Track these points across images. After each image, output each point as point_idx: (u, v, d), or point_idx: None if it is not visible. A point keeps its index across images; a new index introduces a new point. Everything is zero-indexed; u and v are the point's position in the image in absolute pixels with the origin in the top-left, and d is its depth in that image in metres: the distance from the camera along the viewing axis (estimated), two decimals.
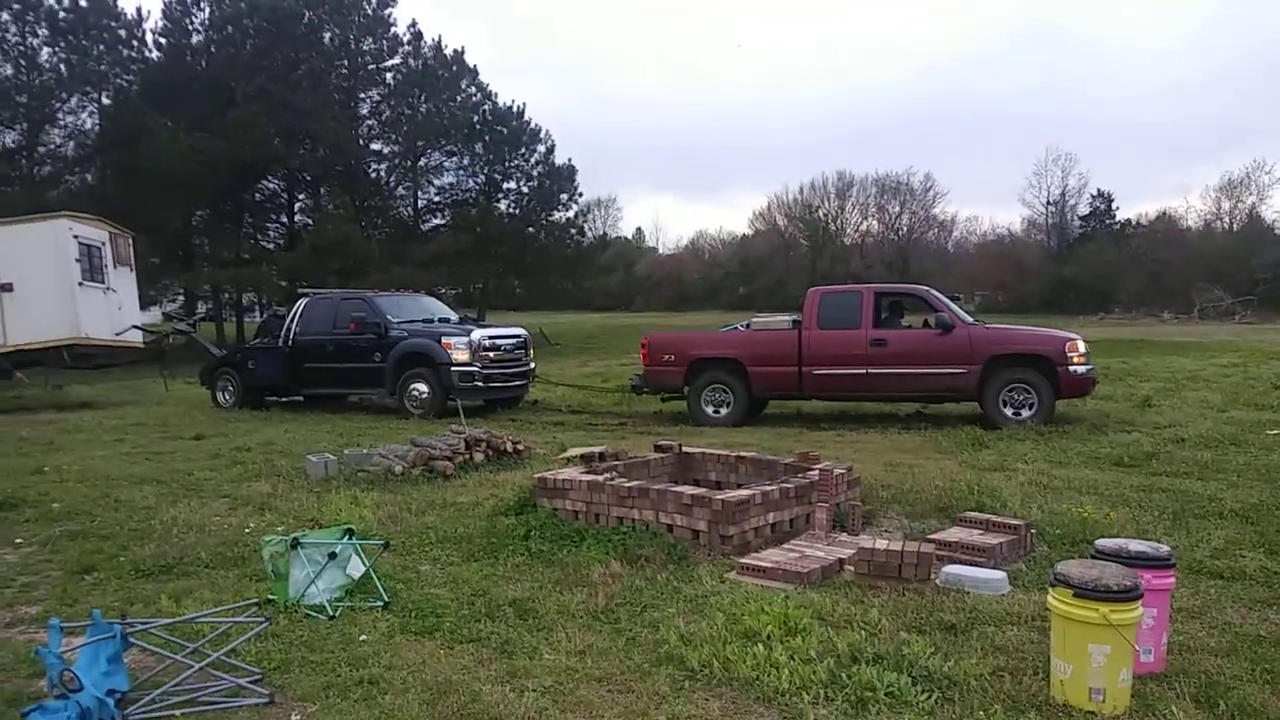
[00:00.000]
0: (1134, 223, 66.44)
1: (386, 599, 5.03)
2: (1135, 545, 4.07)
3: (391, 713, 3.65)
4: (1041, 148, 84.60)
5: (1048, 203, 69.96)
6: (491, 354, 14.30)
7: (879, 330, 12.26)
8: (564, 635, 4.46)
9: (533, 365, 15.66)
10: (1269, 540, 6.00)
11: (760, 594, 4.92)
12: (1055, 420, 12.04)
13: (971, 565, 5.42)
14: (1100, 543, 4.15)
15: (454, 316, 16.34)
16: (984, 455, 9.54)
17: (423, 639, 4.50)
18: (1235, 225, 65.18)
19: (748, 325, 13.77)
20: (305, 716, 3.68)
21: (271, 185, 39.51)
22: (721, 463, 7.71)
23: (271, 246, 40.12)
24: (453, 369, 13.80)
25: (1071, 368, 11.46)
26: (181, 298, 38.78)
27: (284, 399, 16.21)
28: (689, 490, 6.20)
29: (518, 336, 15.21)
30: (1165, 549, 4.07)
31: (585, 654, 4.22)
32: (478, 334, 14.33)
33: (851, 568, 5.41)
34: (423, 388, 14.05)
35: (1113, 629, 3.54)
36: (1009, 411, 11.56)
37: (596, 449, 8.47)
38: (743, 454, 7.77)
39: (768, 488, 6.33)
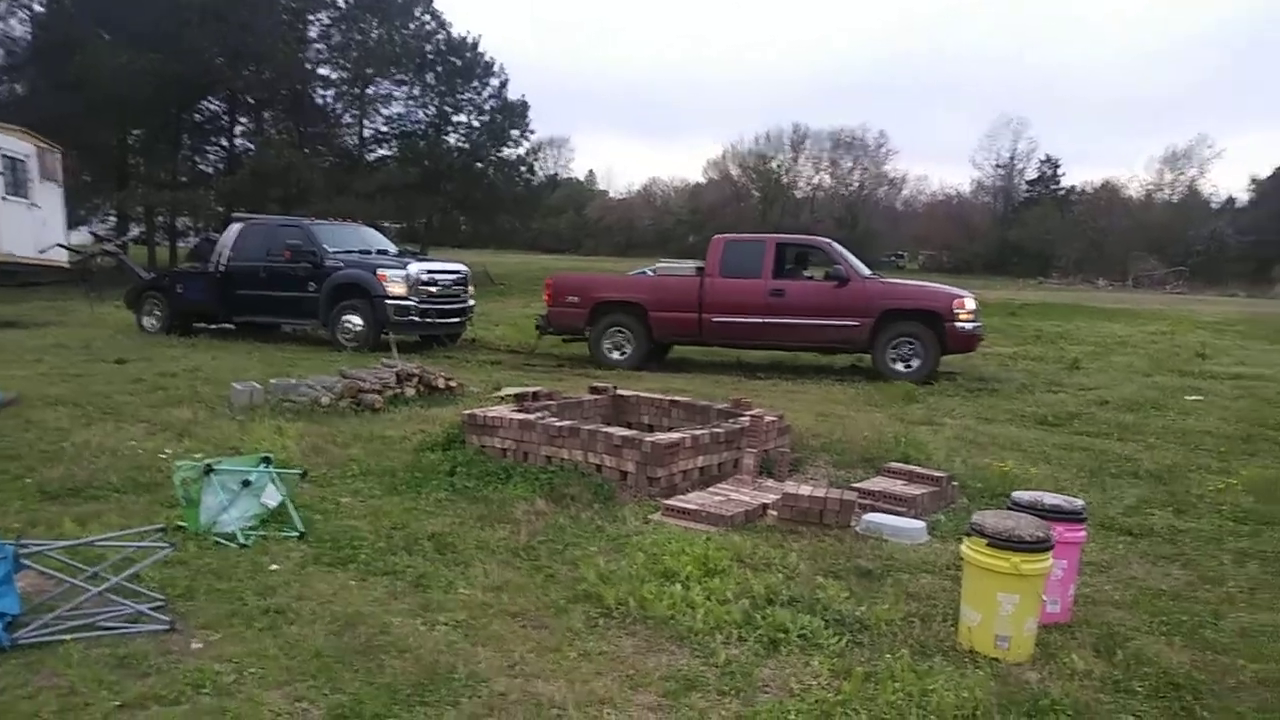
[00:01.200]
0: (1078, 190, 67.64)
1: (302, 529, 4.93)
2: (1050, 499, 4.13)
3: (296, 643, 3.58)
4: (996, 111, 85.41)
5: (997, 165, 70.83)
6: (429, 289, 14.04)
7: (778, 280, 12.33)
8: (481, 571, 4.41)
9: (472, 303, 15.42)
10: (1178, 500, 6.18)
11: (682, 535, 4.91)
12: (986, 378, 12.26)
13: (892, 514, 5.49)
14: (1016, 495, 4.20)
15: (393, 249, 15.97)
16: (914, 409, 9.64)
17: (335, 570, 4.42)
18: (1175, 197, 66.62)
19: (654, 270, 13.70)
20: (206, 644, 3.59)
21: (213, 107, 37.95)
22: (655, 406, 7.68)
23: (210, 170, 38.70)
24: (387, 302, 13.52)
25: (958, 324, 11.67)
26: (113, 219, 37.40)
27: (214, 326, 15.79)
28: (619, 431, 6.16)
29: (457, 272, 14.94)
30: (1079, 503, 4.13)
31: (501, 589, 4.18)
32: (415, 267, 14.03)
33: (774, 513, 5.44)
34: (356, 320, 13.76)
35: (1023, 579, 3.60)
36: (894, 363, 11.81)
37: (531, 389, 8.38)
38: (676, 398, 7.75)
39: (697, 431, 6.32)
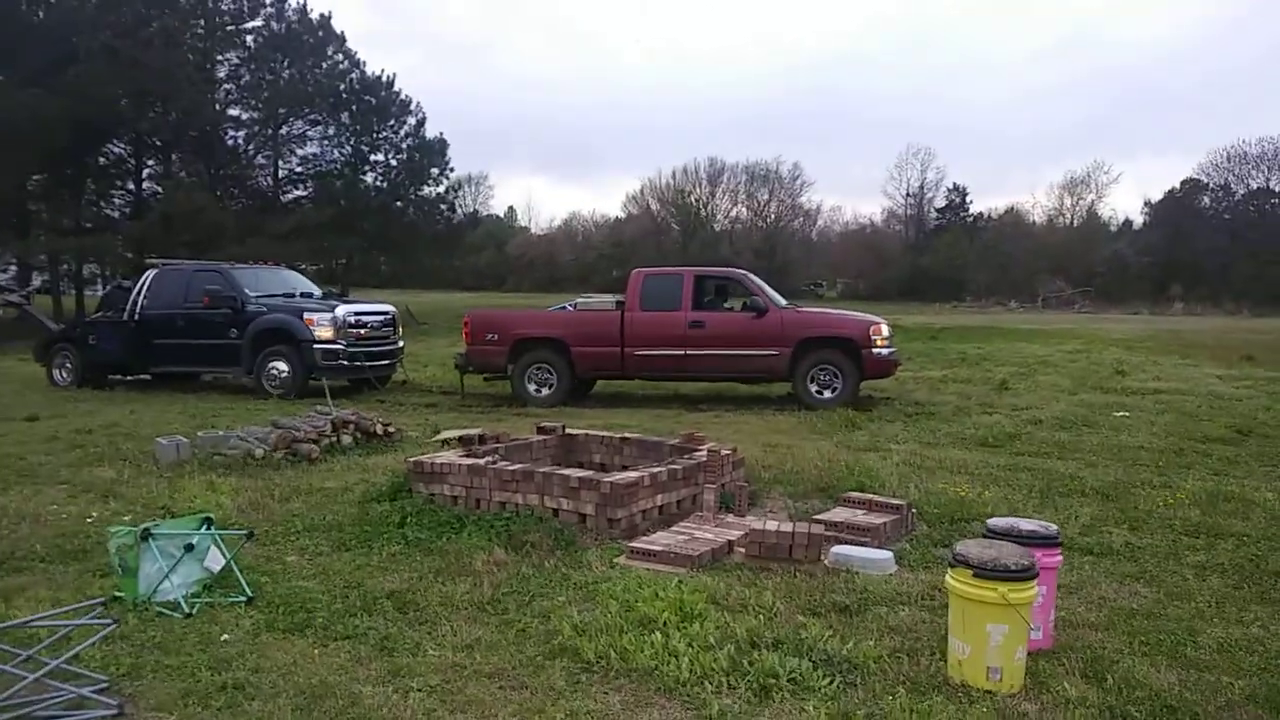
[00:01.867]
0: (985, 216, 69.99)
1: (250, 594, 4.64)
2: (1025, 524, 4.12)
3: None
4: (904, 143, 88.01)
5: (907, 194, 72.93)
6: (357, 331, 13.70)
7: (698, 312, 12.42)
8: (449, 629, 4.20)
9: (401, 343, 15.10)
10: (1130, 517, 6.27)
11: (652, 579, 4.77)
12: (922, 402, 12.43)
13: (858, 545, 5.44)
14: (992, 522, 4.18)
15: (317, 291, 15.56)
16: (857, 436, 9.70)
17: (292, 637, 4.15)
18: (1076, 221, 69.49)
19: (574, 305, 13.67)
20: None
21: (117, 150, 36.73)
22: (606, 445, 7.54)
23: (117, 215, 37.30)
24: (315, 346, 13.14)
25: (875, 350, 11.91)
26: (14, 267, 35.82)
27: (129, 378, 15.11)
28: (576, 473, 6.01)
29: (385, 313, 14.63)
30: (1054, 528, 4.13)
31: (473, 648, 3.97)
32: (342, 310, 13.69)
33: (742, 549, 5.34)
34: (283, 366, 13.33)
35: (1010, 608, 3.55)
36: (815, 390, 11.98)
37: (474, 431, 8.17)
38: (627, 435, 7.62)
39: (656, 469, 6.20)
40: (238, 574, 4.78)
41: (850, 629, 4.17)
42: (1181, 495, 6.66)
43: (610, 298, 13.32)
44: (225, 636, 4.16)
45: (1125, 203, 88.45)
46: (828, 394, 11.91)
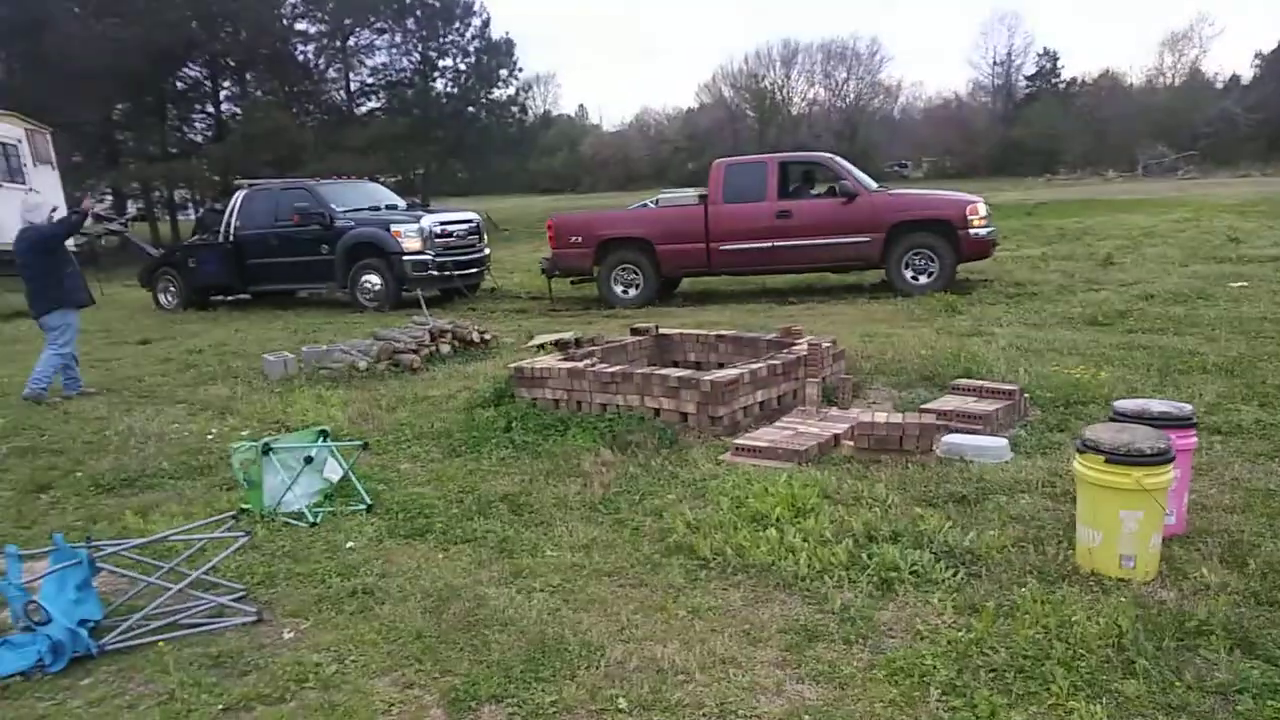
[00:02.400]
0: (1079, 81, 66.14)
1: (369, 502, 4.77)
2: (1157, 405, 3.92)
3: (392, 625, 3.43)
4: (987, 7, 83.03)
5: (994, 63, 69.21)
6: (444, 240, 13.76)
7: (784, 202, 12.01)
8: (564, 530, 4.25)
9: (487, 251, 15.15)
10: (1258, 393, 5.95)
11: (760, 475, 4.74)
12: (1023, 282, 11.99)
13: (969, 434, 5.30)
14: (1120, 404, 3.98)
15: (401, 203, 15.64)
16: (958, 321, 9.41)
17: (414, 542, 4.27)
18: (1177, 80, 65.21)
19: (656, 202, 13.39)
20: (298, 634, 3.44)
21: (194, 73, 37.19)
22: (701, 343, 7.46)
23: (200, 139, 38.07)
24: (405, 258, 13.26)
25: (972, 231, 11.38)
26: (110, 197, 36.93)
27: (230, 298, 15.57)
28: (675, 372, 5.96)
29: (470, 221, 14.64)
30: (1188, 408, 3.92)
31: (590, 548, 4.02)
32: (428, 220, 13.73)
33: (850, 442, 5.25)
34: (375, 279, 13.52)
35: (1146, 494, 3.41)
36: (910, 276, 11.58)
37: (567, 335, 8.18)
38: (722, 333, 7.52)
39: (755, 365, 6.11)
40: (356, 483, 4.92)
41: (970, 519, 4.08)
42: None
43: (693, 192, 13.02)
44: (350, 544, 4.29)
45: (1232, 58, 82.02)
46: (924, 279, 11.51)
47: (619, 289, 12.80)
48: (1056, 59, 66.45)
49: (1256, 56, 61.91)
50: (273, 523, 4.61)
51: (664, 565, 3.81)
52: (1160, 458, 3.44)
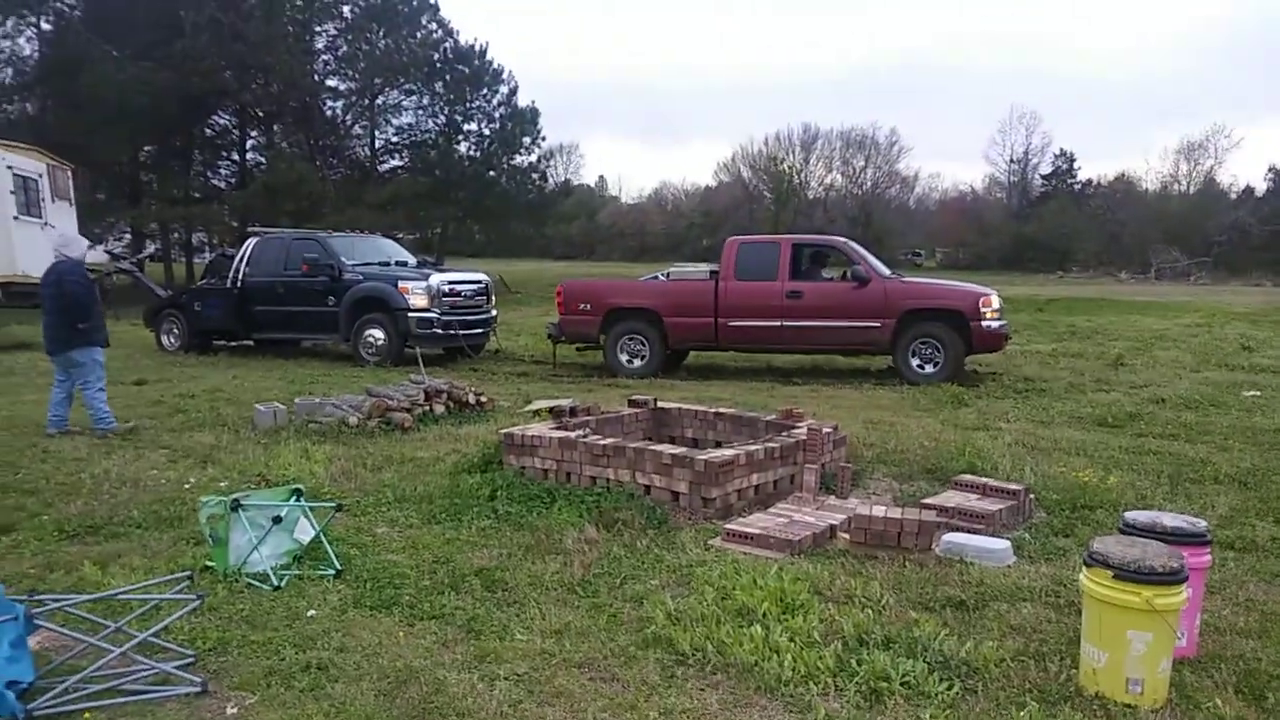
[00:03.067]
0: (1094, 183, 66.91)
1: (339, 567, 4.56)
2: (1169, 519, 3.71)
3: (343, 706, 3.19)
4: (1006, 106, 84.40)
5: (1010, 160, 70.20)
6: (451, 300, 13.70)
7: (795, 282, 11.97)
8: (538, 611, 4.02)
9: (495, 313, 15.08)
10: (1274, 508, 5.73)
11: (750, 564, 4.52)
12: (1032, 378, 11.81)
13: (971, 533, 5.08)
14: (1131, 515, 3.77)
15: (411, 260, 15.63)
16: (964, 414, 9.22)
17: (379, 614, 4.04)
18: (1192, 188, 65.88)
19: (667, 275, 13.35)
20: (242, 710, 3.21)
21: (222, 121, 37.82)
22: (699, 419, 7.28)
23: (223, 185, 38.53)
24: (410, 315, 13.19)
25: (985, 323, 11.29)
26: (128, 236, 37.32)
27: (233, 344, 15.49)
28: (669, 449, 5.77)
29: (478, 282, 14.60)
30: (1202, 524, 3.71)
31: (563, 634, 3.78)
32: (436, 278, 13.69)
33: (846, 535, 5.03)
34: (378, 334, 13.43)
35: (1156, 615, 3.18)
36: (917, 365, 11.46)
37: (564, 402, 8.02)
38: (721, 410, 7.35)
39: (752, 447, 5.92)
40: (327, 546, 4.71)
41: (968, 627, 3.84)
42: None
43: (704, 267, 13.00)
44: (312, 612, 4.06)
45: (1247, 169, 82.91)
46: (930, 368, 11.39)
47: (624, 358, 12.69)
48: (1073, 159, 67.36)
49: (1270, 170, 62.53)
50: (235, 583, 4.39)
51: (640, 658, 3.57)
52: (1173, 577, 3.22)
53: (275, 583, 4.36)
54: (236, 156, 38.90)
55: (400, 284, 13.37)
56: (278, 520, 4.66)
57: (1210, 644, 3.72)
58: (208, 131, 37.32)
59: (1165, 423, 8.68)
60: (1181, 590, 3.25)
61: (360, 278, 13.72)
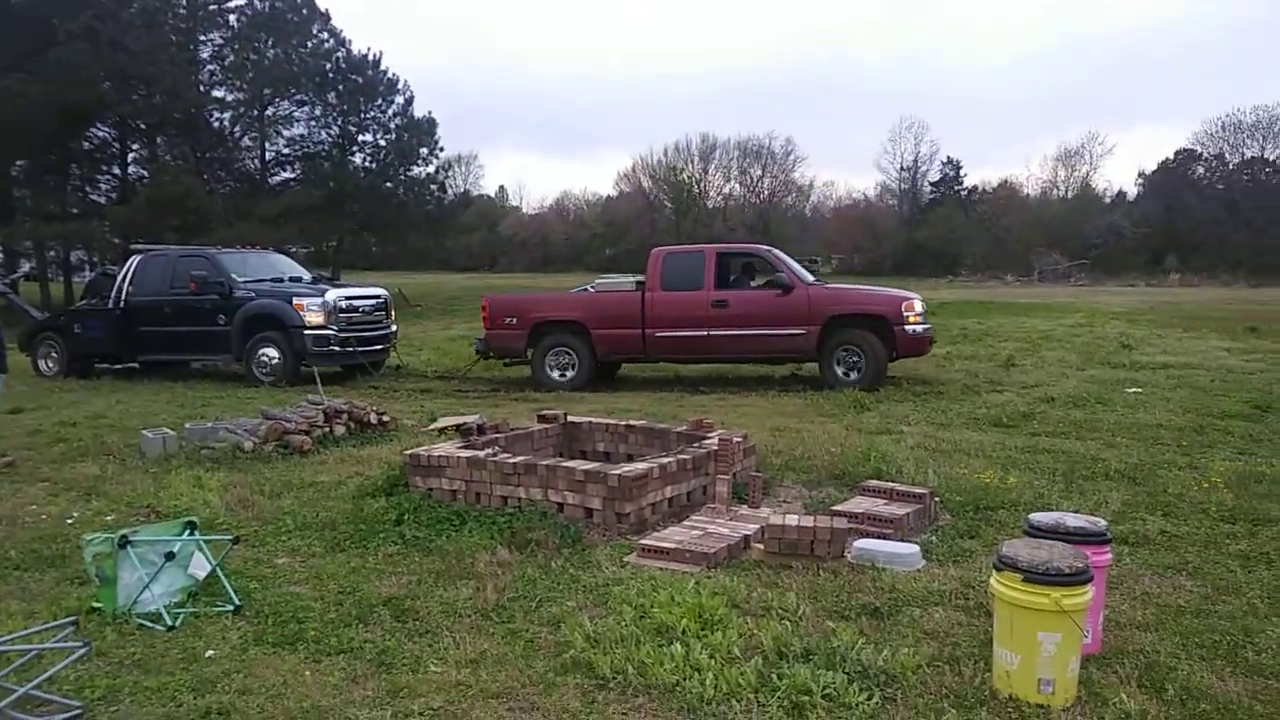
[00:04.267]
0: (979, 189, 69.49)
1: (238, 602, 4.33)
2: (1072, 520, 3.81)
3: None
4: (896, 116, 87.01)
5: (901, 168, 72.34)
6: (348, 316, 13.34)
7: (721, 291, 12.01)
8: (451, 641, 3.89)
9: (394, 328, 14.74)
10: (1161, 502, 5.98)
11: (667, 580, 4.48)
12: (929, 380, 12.14)
13: (880, 538, 5.15)
14: (1035, 517, 3.87)
15: (306, 276, 15.17)
16: (867, 418, 9.41)
17: (282, 652, 3.85)
18: (1070, 193, 69.08)
19: (593, 286, 13.31)
20: None
21: (102, 133, 36.08)
22: (610, 432, 7.23)
23: (103, 200, 36.72)
24: (306, 332, 12.79)
25: (908, 327, 11.45)
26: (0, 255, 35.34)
27: (117, 366, 14.76)
28: (581, 465, 5.70)
29: (377, 297, 14.26)
30: (1102, 523, 3.83)
31: (478, 663, 3.67)
32: (332, 294, 13.32)
33: (760, 545, 5.04)
34: (273, 353, 12.98)
35: (1064, 615, 3.26)
36: (841, 371, 11.55)
37: (471, 419, 7.87)
38: (632, 423, 7.31)
39: (665, 460, 5.90)
40: (224, 581, 4.48)
41: (883, 634, 3.88)
42: (1213, 478, 6.37)
43: (630, 278, 12.87)
44: (210, 652, 3.85)
45: (1120, 174, 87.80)
46: (854, 374, 11.47)
47: (554, 373, 12.49)
48: (960, 167, 69.86)
49: (1140, 175, 66.19)
50: (125, 625, 4.13)
51: (559, 685, 3.48)
52: (1079, 577, 3.31)
53: (169, 622, 4.12)
54: (117, 170, 37.19)
55: (295, 301, 12.97)
56: (170, 556, 4.41)
57: (1113, 640, 3.84)
58: (86, 145, 35.56)
59: (1056, 421, 9.02)
60: (1087, 590, 3.34)
61: (252, 295, 13.25)
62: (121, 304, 13.97)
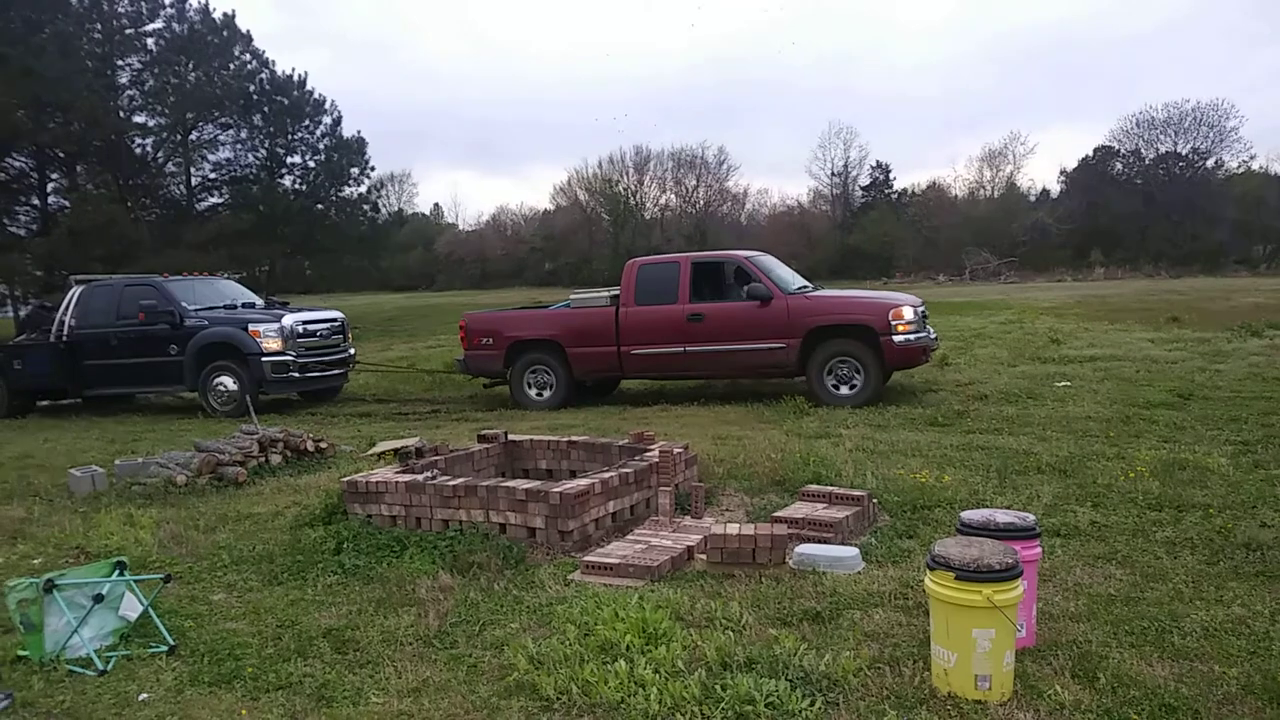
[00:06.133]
0: (909, 192, 70.85)
1: (171, 642, 4.23)
2: (1002, 516, 3.91)
3: None
4: (825, 122, 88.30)
5: (832, 174, 73.36)
6: (306, 340, 13.08)
7: (697, 304, 11.37)
8: (393, 670, 3.85)
9: (352, 351, 14.46)
10: (1091, 493, 6.15)
11: (611, 596, 4.48)
12: None
13: (821, 543, 5.21)
14: (966, 515, 3.96)
15: (258, 301, 14.84)
16: (807, 423, 9.50)
17: (219, 691, 3.77)
18: (996, 193, 70.70)
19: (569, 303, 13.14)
20: None
21: (19, 163, 35.00)
22: (552, 450, 7.21)
23: (23, 232, 35.62)
24: (264, 360, 12.50)
25: (896, 337, 10.50)
26: None
27: (60, 402, 14.31)
28: (522, 484, 5.67)
29: (333, 320, 13.94)
30: (1031, 518, 3.92)
31: (420, 692, 3.63)
32: (290, 319, 13.03)
33: (703, 556, 5.07)
34: (229, 382, 12.65)
35: (996, 611, 3.34)
36: (832, 386, 10.75)
37: (410, 442, 7.77)
38: (574, 439, 7.30)
39: (606, 474, 5.90)
40: (157, 621, 4.36)
41: (825, 639, 3.93)
42: (1139, 467, 6.59)
43: (605, 292, 12.32)
44: (143, 696, 3.75)
45: (1042, 172, 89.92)
46: (845, 390, 10.67)
47: (532, 392, 12.18)
48: (889, 171, 71.12)
49: (1062, 173, 68.00)
50: (53, 672, 4.01)
51: (503, 709, 3.46)
52: (1009, 573, 3.39)
53: (100, 667, 4.01)
54: (37, 201, 36.07)
55: (250, 327, 12.67)
56: (99, 598, 4.29)
57: (1046, 632, 3.93)
58: (2, 175, 34.45)
59: (990, 418, 9.23)
60: (1018, 585, 3.42)
61: (205, 323, 12.93)
62: (64, 337, 13.54)
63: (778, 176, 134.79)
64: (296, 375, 12.77)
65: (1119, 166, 63.67)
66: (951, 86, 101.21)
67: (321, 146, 38.63)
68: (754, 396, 11.49)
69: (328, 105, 38.42)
